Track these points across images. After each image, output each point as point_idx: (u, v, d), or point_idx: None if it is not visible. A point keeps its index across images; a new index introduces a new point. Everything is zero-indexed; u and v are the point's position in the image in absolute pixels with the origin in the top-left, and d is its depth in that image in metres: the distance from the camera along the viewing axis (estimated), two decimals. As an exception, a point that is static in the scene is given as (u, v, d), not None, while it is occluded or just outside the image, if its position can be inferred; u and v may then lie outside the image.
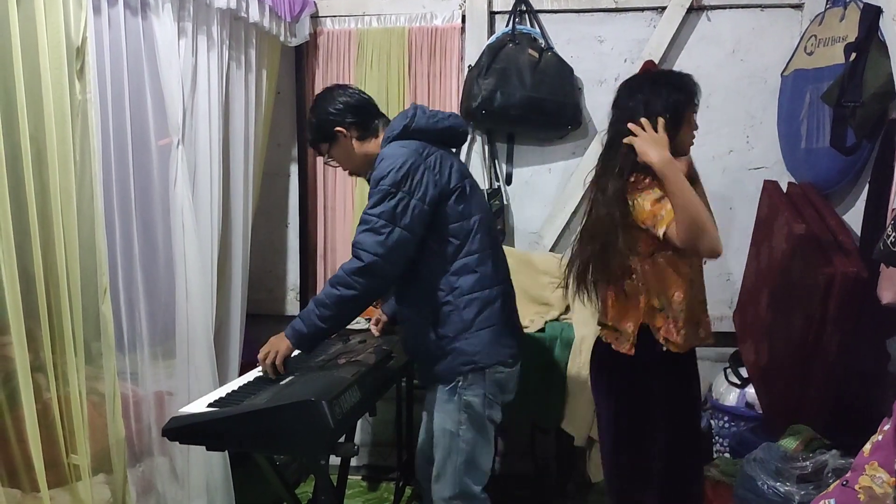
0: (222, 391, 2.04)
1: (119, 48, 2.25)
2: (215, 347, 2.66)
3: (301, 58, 3.42)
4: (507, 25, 3.26)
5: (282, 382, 2.04)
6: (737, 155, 3.25)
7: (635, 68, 3.22)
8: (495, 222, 3.00)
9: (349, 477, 3.49)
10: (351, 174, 2.35)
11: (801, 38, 3.01)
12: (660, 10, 3.24)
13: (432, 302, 2.16)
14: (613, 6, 3.28)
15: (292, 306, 3.63)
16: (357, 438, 3.59)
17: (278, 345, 2.10)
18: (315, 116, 2.27)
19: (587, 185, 2.26)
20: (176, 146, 2.44)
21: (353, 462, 3.56)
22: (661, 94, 2.14)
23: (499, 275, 2.25)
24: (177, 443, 2.35)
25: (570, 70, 3.23)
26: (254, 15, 2.76)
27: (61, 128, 1.96)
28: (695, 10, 3.22)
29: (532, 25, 3.29)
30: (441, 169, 2.13)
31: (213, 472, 2.55)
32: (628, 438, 2.27)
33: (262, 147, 3.15)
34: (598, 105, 3.32)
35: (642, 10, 3.27)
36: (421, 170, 2.07)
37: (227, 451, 2.56)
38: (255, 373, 2.21)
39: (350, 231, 3.48)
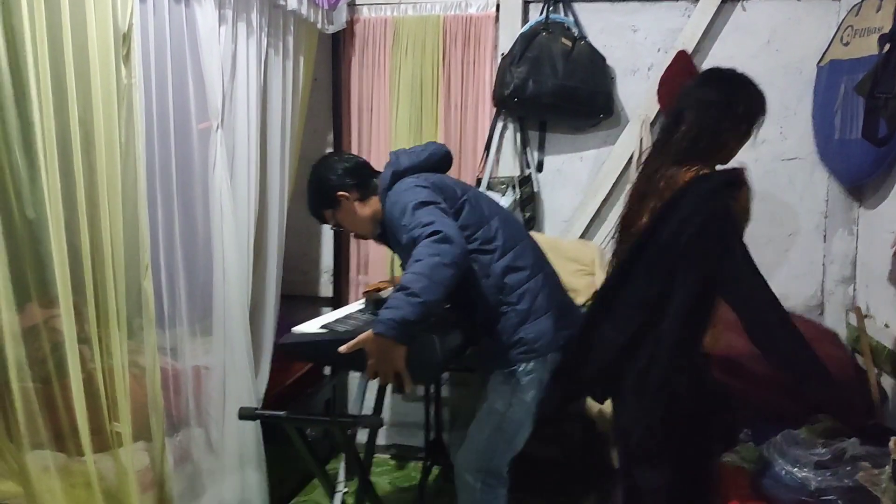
0: (335, 315, 2.32)
1: (163, 35, 2.33)
2: (251, 326, 2.76)
3: (338, 45, 3.49)
4: (540, 14, 3.28)
5: (362, 318, 2.24)
6: (769, 146, 3.24)
7: (669, 58, 3.23)
8: (514, 216, 3.01)
9: (378, 455, 3.60)
10: (357, 237, 2.50)
11: (838, 29, 2.99)
12: (694, -1, 3.24)
13: (488, 308, 2.22)
14: (648, -5, 3.28)
15: (326, 288, 3.72)
16: (386, 418, 3.67)
17: (383, 354, 1.93)
18: (315, 185, 2.36)
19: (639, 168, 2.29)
20: (215, 130, 2.52)
21: (382, 441, 3.66)
22: (746, 102, 2.16)
23: (538, 262, 2.32)
24: (214, 414, 2.48)
25: (603, 59, 3.25)
26: (292, 3, 2.82)
27: (108, 111, 2.05)
28: (730, 0, 3.21)
29: (566, 15, 3.31)
30: (442, 186, 2.23)
31: (246, 444, 2.65)
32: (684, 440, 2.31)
33: (298, 132, 3.23)
34: (630, 94, 3.34)
35: (676, -1, 3.27)
36: (429, 189, 2.16)
37: (260, 423, 2.66)
38: (358, 305, 2.47)
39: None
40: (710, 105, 2.12)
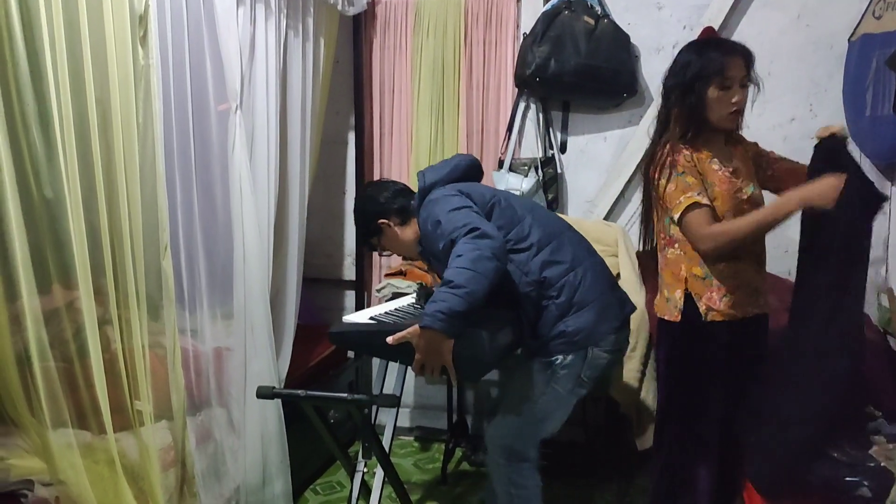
0: (385, 307, 2.43)
1: (180, 16, 2.34)
2: (273, 309, 2.77)
3: (359, 27, 3.48)
4: (563, -8, 3.23)
5: (410, 313, 2.29)
6: (799, 123, 3.16)
7: (694, 35, 3.16)
8: (550, 212, 2.97)
9: (401, 437, 3.61)
10: (405, 259, 2.71)
11: (870, 2, 2.90)
12: (721, -26, 3.16)
13: (530, 304, 2.20)
14: (673, -29, 3.22)
15: (349, 271, 3.73)
16: (410, 401, 3.68)
17: (430, 347, 1.95)
18: (358, 216, 2.46)
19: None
20: (234, 112, 2.52)
21: (406, 423, 3.67)
22: (680, 59, 2.21)
23: (579, 254, 2.28)
24: (236, 394, 2.50)
25: (627, 37, 3.20)
26: (312, -16, 2.82)
27: (125, 92, 2.06)
28: (758, -26, 3.14)
29: (589, -8, 3.25)
30: (469, 191, 2.24)
31: (267, 425, 2.66)
32: (675, 408, 2.29)
33: (319, 115, 3.22)
34: (655, 73, 3.27)
35: (703, -26, 3.20)
36: (458, 196, 2.18)
37: (281, 404, 2.67)
38: (409, 299, 2.53)
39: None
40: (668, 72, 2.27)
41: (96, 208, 2.02)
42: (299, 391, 2.10)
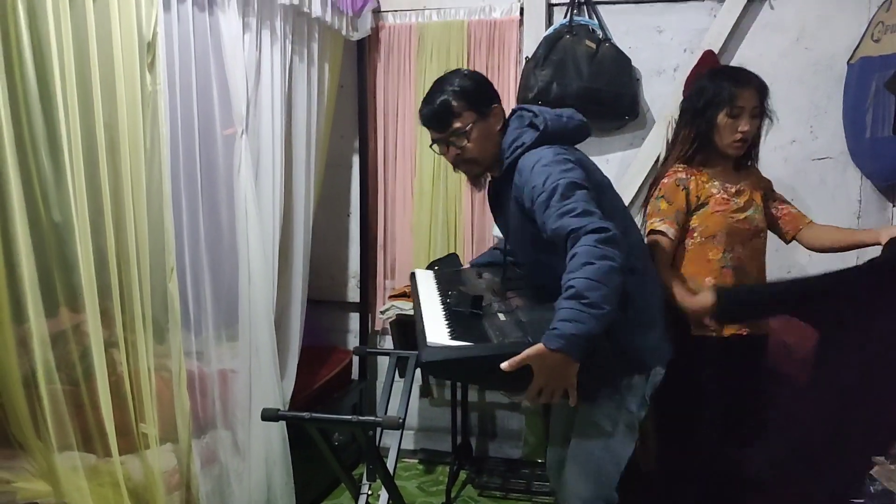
0: (440, 318, 1.91)
1: (187, 42, 2.37)
2: (277, 331, 2.78)
3: (363, 51, 3.52)
4: (564, 17, 3.27)
5: (502, 316, 1.89)
6: (800, 145, 3.19)
7: (695, 58, 3.19)
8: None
9: (406, 459, 3.60)
10: (465, 165, 2.07)
11: (869, 25, 2.94)
12: (720, -1, 3.20)
13: None
14: (673, -4, 3.26)
15: (353, 293, 3.74)
16: (414, 423, 3.68)
17: (556, 371, 1.68)
18: (475, 88, 2.03)
19: None
20: (240, 136, 2.56)
21: (410, 445, 3.66)
22: (697, 84, 2.33)
23: (648, 262, 2.12)
24: (241, 417, 2.50)
25: (628, 60, 3.23)
26: (316, 10, 2.85)
27: (133, 117, 2.09)
28: (757, -2, 3.18)
29: (590, 17, 3.29)
30: (586, 165, 2.00)
31: (272, 447, 2.67)
32: (667, 423, 2.32)
33: (324, 138, 3.25)
34: (656, 95, 3.31)
35: (702, -1, 3.24)
36: (579, 168, 1.90)
37: (286, 426, 2.67)
38: (436, 301, 2.07)
39: (409, 221, 3.56)
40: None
41: (103, 232, 2.05)
42: (304, 413, 2.10)
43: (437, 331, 1.79)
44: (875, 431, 2.00)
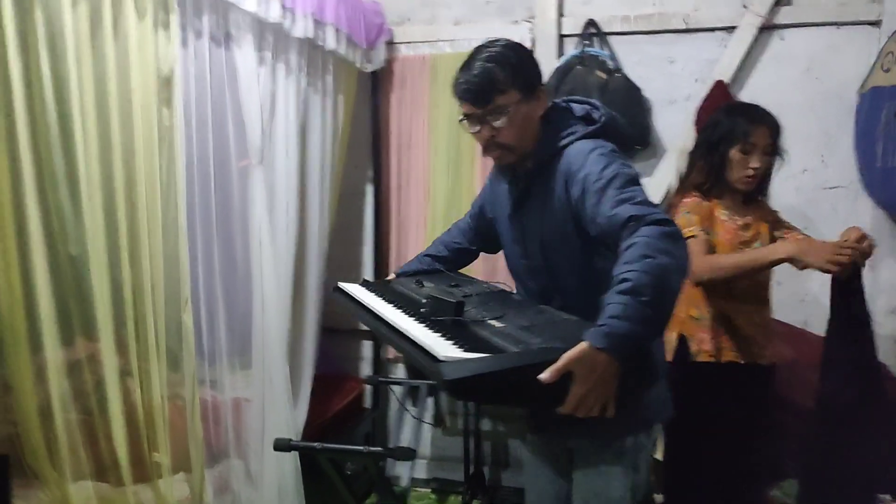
0: (425, 330, 1.54)
1: (203, 77, 2.42)
2: (291, 359, 2.80)
3: (377, 83, 3.57)
4: (576, 48, 3.31)
5: (496, 323, 1.58)
6: (811, 174, 3.19)
7: (706, 88, 3.21)
8: None
9: (418, 489, 3.60)
10: (497, 150, 1.77)
11: (879, 55, 2.95)
12: (730, 29, 3.22)
13: None
14: (683, 27, 3.28)
15: (367, 322, 3.75)
16: (426, 452, 3.67)
17: (601, 376, 1.37)
18: (520, 57, 1.75)
19: None
20: (255, 168, 2.60)
21: (423, 475, 3.65)
22: (712, 118, 2.37)
23: None
24: (254, 446, 2.51)
25: (639, 91, 3.25)
26: (330, 43, 2.91)
27: (149, 151, 2.14)
28: (767, 29, 3.19)
29: (601, 48, 3.33)
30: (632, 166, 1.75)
31: (285, 477, 2.68)
32: (670, 447, 2.35)
33: (338, 169, 3.30)
34: (668, 125, 3.33)
35: (713, 30, 3.26)
36: (629, 165, 1.68)
37: (298, 456, 2.68)
38: (398, 313, 1.72)
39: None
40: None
41: (119, 264, 2.08)
42: (315, 444, 2.12)
43: (439, 345, 1.43)
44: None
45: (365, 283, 2.14)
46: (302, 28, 2.69)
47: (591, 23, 3.31)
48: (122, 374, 2.15)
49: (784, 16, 3.17)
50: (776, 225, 2.42)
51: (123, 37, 2.08)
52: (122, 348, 2.14)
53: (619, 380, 1.41)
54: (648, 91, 3.30)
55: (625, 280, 1.38)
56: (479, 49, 1.75)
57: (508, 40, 1.77)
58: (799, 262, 2.09)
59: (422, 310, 1.67)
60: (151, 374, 2.18)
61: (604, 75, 3.22)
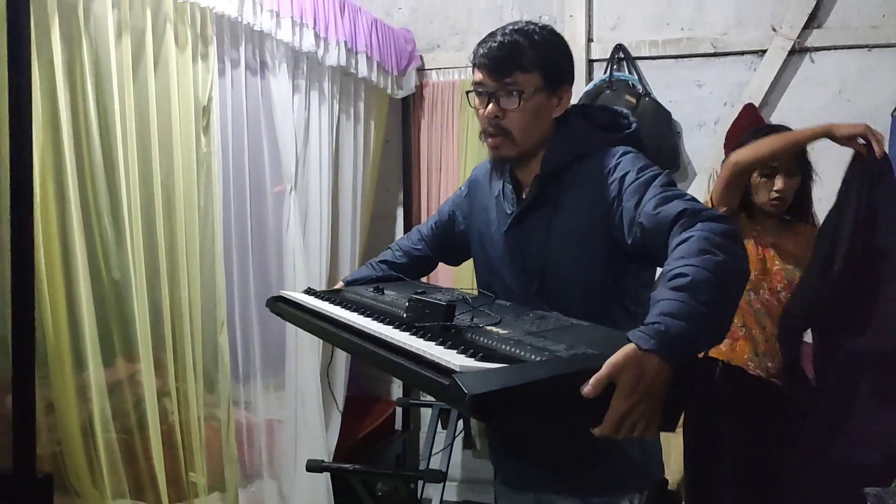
0: (419, 339, 1.22)
1: (240, 105, 2.50)
2: (323, 381, 2.84)
3: (408, 108, 3.63)
4: (604, 73, 3.34)
5: (497, 329, 1.27)
6: (844, 196, 3.17)
7: (735, 112, 3.22)
8: None
9: (449, 512, 3.60)
10: (497, 136, 1.52)
11: (912, 77, 2.94)
12: (760, 53, 3.23)
13: None
14: (712, 51, 3.30)
15: (397, 343, 3.78)
16: (457, 474, 3.68)
17: (652, 384, 1.09)
18: (556, 45, 1.53)
19: None
20: (289, 193, 2.66)
21: (453, 497, 3.66)
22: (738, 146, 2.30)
23: None
24: (286, 467, 2.55)
25: (668, 114, 3.27)
26: (363, 70, 2.97)
27: (188, 178, 2.21)
28: (797, 52, 3.19)
29: (630, 72, 3.35)
30: None
31: (316, 497, 2.71)
32: (692, 465, 2.33)
33: (370, 193, 3.35)
34: (697, 148, 3.34)
35: (742, 53, 3.27)
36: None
37: (330, 477, 2.71)
38: (369, 321, 1.37)
39: (451, 272, 3.61)
40: None
41: (159, 287, 2.15)
42: (347, 465, 2.15)
43: (448, 354, 1.13)
44: None
45: (311, 292, 1.75)
46: (335, 56, 2.76)
47: (619, 48, 3.34)
48: (161, 394, 2.21)
49: (815, 39, 3.17)
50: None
51: (164, 68, 2.16)
52: (161, 369, 2.19)
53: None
54: (677, 115, 3.32)
55: (681, 275, 1.16)
56: (515, 22, 1.55)
57: (551, 26, 1.56)
58: (835, 134, 2.15)
59: (405, 315, 1.35)
60: (189, 395, 2.23)
61: (633, 99, 3.24)
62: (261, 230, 2.63)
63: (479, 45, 1.54)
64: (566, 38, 1.56)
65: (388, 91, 3.29)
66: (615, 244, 1.44)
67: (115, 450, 2.07)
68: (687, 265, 1.17)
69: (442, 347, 1.18)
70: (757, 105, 3.20)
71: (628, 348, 1.09)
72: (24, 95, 1.69)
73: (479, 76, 1.52)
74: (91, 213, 1.99)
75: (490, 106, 1.51)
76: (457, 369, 1.07)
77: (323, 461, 2.17)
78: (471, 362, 1.10)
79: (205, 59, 2.27)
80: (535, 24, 1.53)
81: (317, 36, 2.64)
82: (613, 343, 1.11)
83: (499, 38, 1.51)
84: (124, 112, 2.02)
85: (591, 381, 1.06)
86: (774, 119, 3.19)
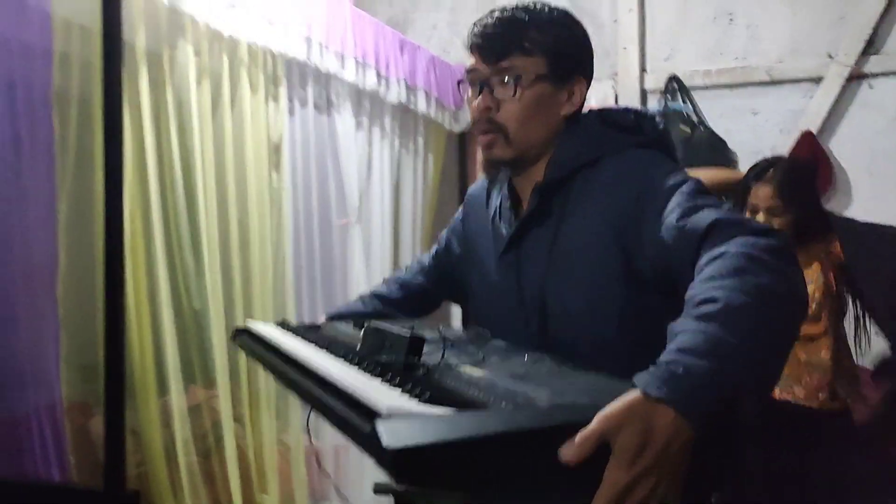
0: (364, 375, 0.95)
1: (308, 142, 2.63)
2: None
3: (464, 142, 3.72)
4: (658, 103, 3.39)
5: (472, 370, 0.98)
6: (905, 223, 3.14)
7: (791, 139, 3.22)
8: None
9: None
10: (489, 133, 1.25)
11: (972, 102, 2.91)
12: (817, 80, 3.24)
13: None
14: (768, 79, 3.32)
15: (456, 372, 3.84)
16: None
17: (661, 454, 0.78)
18: (568, 28, 1.29)
19: None
20: (353, 225, 2.78)
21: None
22: None
23: None
24: (353, 490, 2.62)
25: (724, 143, 3.29)
26: (422, 107, 3.08)
27: (261, 213, 2.33)
28: (855, 78, 3.19)
29: (684, 102, 3.39)
30: None
31: (382, 521, 2.77)
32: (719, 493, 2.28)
33: (428, 225, 3.44)
34: (754, 176, 3.35)
35: (798, 81, 3.28)
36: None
37: (394, 500, 2.77)
38: (325, 355, 1.12)
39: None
40: None
41: (234, 317, 2.26)
42: (413, 487, 2.19)
43: (378, 391, 0.85)
44: None
45: (283, 325, 1.52)
46: (395, 94, 2.87)
47: (673, 78, 3.39)
48: (235, 419, 2.31)
49: (873, 65, 3.17)
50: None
51: (239, 109, 2.29)
52: (236, 396, 2.30)
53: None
54: (733, 143, 3.33)
55: (710, 300, 0.89)
56: (523, 3, 1.29)
57: (566, 10, 1.31)
58: None
59: (357, 346, 1.12)
60: (262, 421, 2.33)
61: (687, 129, 3.28)
62: (327, 262, 2.74)
63: (475, 23, 1.27)
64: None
65: (446, 126, 3.39)
66: (633, 270, 1.16)
67: (195, 471, 2.17)
68: (718, 288, 0.90)
69: (380, 383, 0.90)
70: (815, 132, 3.19)
71: (631, 396, 0.80)
72: (116, 138, 1.83)
73: (472, 61, 1.28)
74: (174, 246, 2.12)
75: (482, 95, 1.25)
76: (382, 412, 0.76)
77: (389, 484, 2.22)
78: (411, 404, 0.81)
79: (276, 100, 2.40)
80: (548, 5, 1.29)
81: (378, 75, 2.76)
82: (618, 394, 0.81)
83: (497, 13, 1.25)
84: (203, 151, 2.15)
85: (577, 439, 0.75)
86: (833, 146, 3.18)
